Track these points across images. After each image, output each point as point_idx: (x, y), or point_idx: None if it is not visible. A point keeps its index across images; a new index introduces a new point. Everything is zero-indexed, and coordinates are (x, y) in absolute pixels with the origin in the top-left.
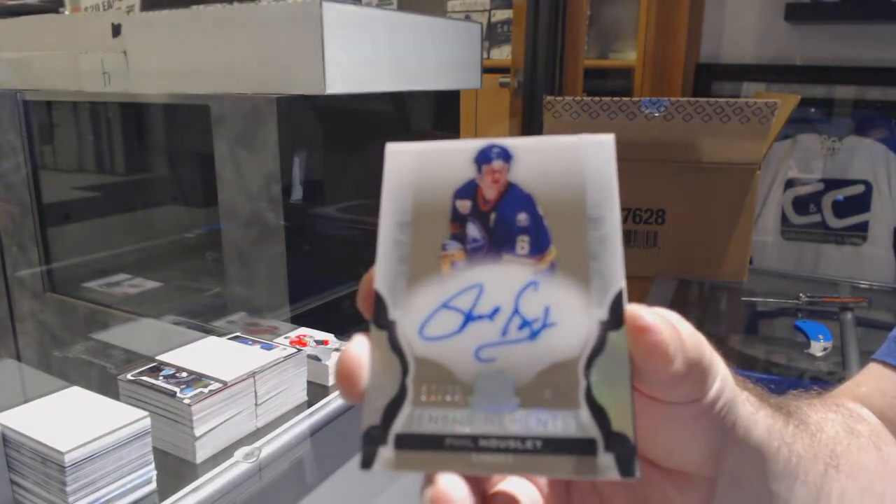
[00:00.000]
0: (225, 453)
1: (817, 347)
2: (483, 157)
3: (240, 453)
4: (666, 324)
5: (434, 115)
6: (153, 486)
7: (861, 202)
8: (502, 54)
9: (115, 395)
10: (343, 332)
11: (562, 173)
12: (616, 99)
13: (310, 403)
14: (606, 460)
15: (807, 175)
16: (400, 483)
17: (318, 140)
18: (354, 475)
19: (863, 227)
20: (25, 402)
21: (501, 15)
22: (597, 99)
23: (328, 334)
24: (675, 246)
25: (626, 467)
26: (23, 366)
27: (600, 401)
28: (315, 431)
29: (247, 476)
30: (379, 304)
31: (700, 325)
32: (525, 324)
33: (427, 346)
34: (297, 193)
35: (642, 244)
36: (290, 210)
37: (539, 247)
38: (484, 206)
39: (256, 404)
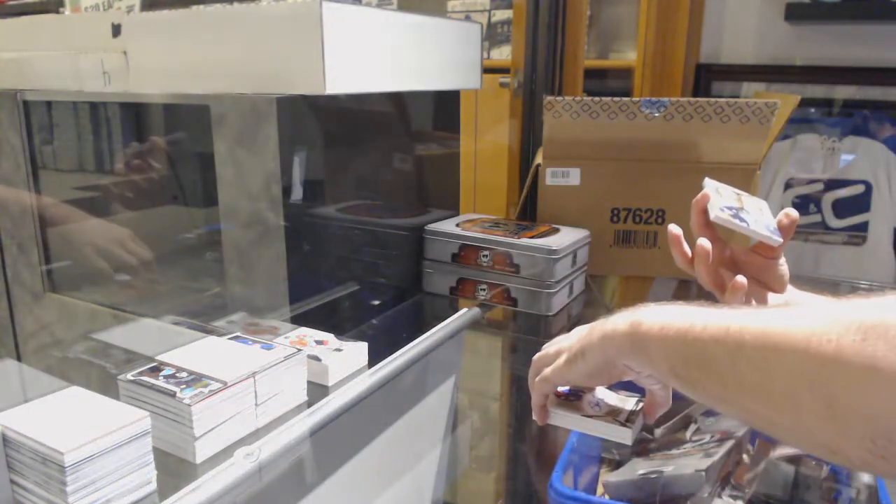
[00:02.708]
0: (225, 453)
1: None
2: None
3: (240, 453)
4: None
5: (434, 115)
6: (153, 486)
7: (861, 202)
8: (502, 54)
9: (115, 395)
10: (343, 332)
11: None
12: (616, 99)
13: (310, 403)
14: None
15: (807, 175)
16: (400, 483)
17: (318, 140)
18: (354, 475)
19: (863, 227)
20: (25, 402)
21: (501, 15)
22: (597, 99)
23: (328, 334)
24: None
25: None
26: (23, 366)
27: None
28: (315, 431)
29: (247, 476)
30: None
31: None
32: None
33: None
34: (297, 193)
35: (642, 244)
36: (290, 210)
37: None
38: None
39: (256, 404)
